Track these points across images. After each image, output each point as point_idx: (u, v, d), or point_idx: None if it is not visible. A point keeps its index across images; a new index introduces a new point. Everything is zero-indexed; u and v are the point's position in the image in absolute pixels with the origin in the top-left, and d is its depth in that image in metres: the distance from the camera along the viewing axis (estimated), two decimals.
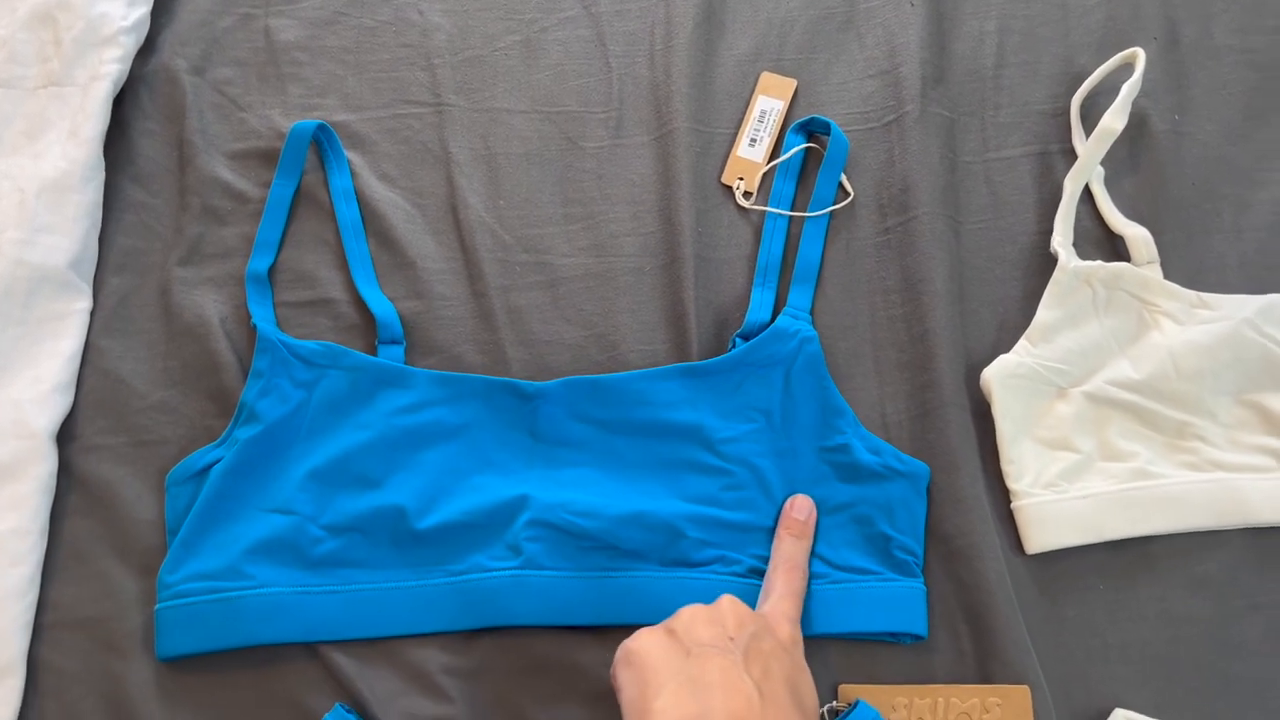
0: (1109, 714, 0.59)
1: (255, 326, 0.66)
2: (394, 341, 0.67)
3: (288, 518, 0.61)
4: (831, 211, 0.71)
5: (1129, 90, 0.68)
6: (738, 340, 0.66)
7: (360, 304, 0.69)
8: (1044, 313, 0.66)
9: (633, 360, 0.68)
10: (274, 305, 0.69)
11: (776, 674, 0.48)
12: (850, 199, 0.71)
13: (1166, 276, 0.67)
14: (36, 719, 0.60)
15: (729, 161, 0.73)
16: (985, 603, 0.60)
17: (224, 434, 0.63)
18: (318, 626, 0.60)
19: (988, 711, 0.58)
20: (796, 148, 0.72)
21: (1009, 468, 0.63)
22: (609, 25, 0.77)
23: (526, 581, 0.60)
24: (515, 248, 0.71)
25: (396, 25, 0.78)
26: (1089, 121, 0.72)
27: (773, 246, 0.70)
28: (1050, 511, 0.62)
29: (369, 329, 0.68)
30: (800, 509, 0.62)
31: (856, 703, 0.57)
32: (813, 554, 0.62)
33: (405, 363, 0.67)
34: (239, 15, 0.78)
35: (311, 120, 0.73)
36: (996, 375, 0.64)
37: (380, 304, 0.68)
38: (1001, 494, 0.64)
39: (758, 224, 0.71)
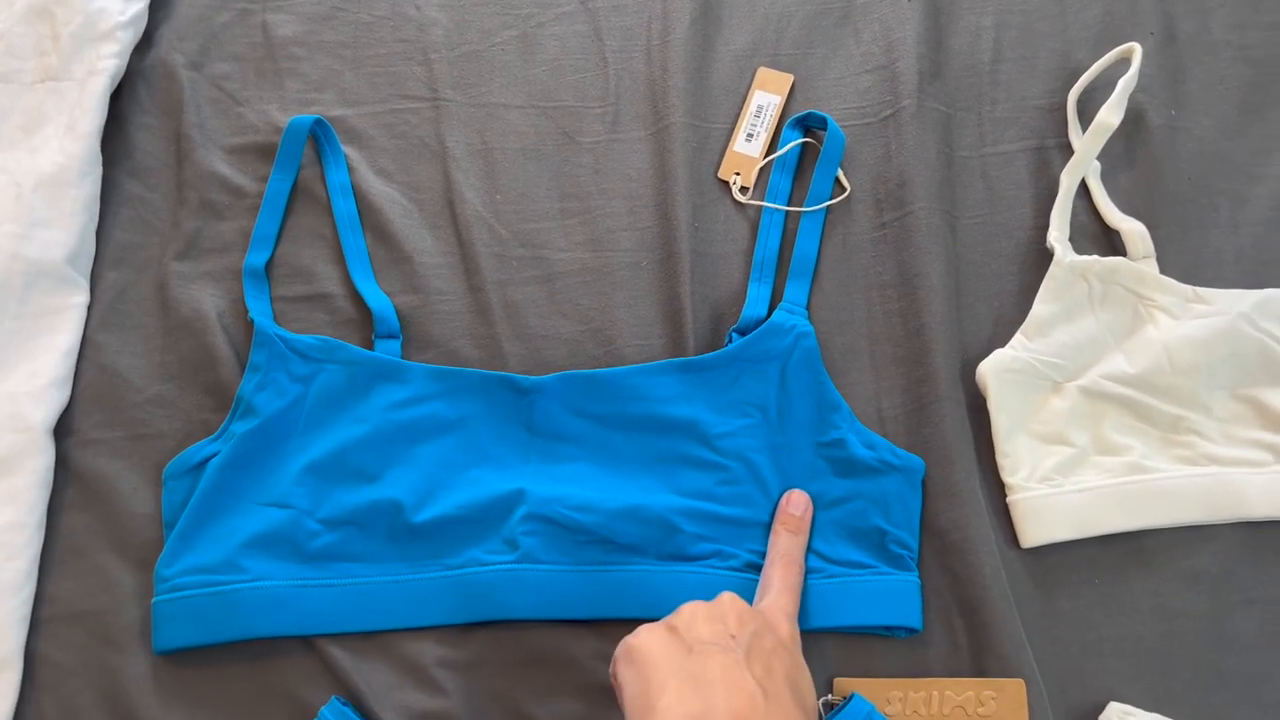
0: (1103, 708, 0.59)
1: (252, 321, 0.66)
2: (391, 336, 0.67)
3: (284, 511, 0.61)
4: (828, 206, 0.71)
5: (1125, 85, 0.68)
6: (734, 335, 0.66)
7: (357, 298, 0.69)
8: (1040, 307, 0.66)
9: (629, 355, 0.68)
10: (271, 300, 0.69)
11: (778, 672, 0.48)
12: (847, 194, 0.71)
13: (1162, 271, 0.67)
14: (34, 713, 0.60)
15: (726, 156, 0.73)
16: (980, 597, 0.60)
17: (221, 428, 0.64)
18: (314, 620, 0.60)
19: (982, 705, 0.58)
20: (793, 143, 0.72)
21: (1004, 461, 0.63)
22: (606, 20, 0.77)
23: (523, 575, 0.60)
24: (512, 242, 0.71)
25: (393, 20, 0.78)
26: (1085, 116, 0.72)
27: (769, 241, 0.70)
28: (1045, 505, 0.62)
29: (366, 323, 0.69)
30: (796, 504, 0.62)
31: (851, 696, 0.57)
32: (808, 549, 0.62)
33: (402, 357, 0.67)
34: (236, 10, 0.78)
35: (309, 115, 0.73)
36: (992, 370, 0.64)
37: (377, 298, 0.68)
38: (997, 488, 0.64)
39: (754, 219, 0.71)
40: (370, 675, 0.60)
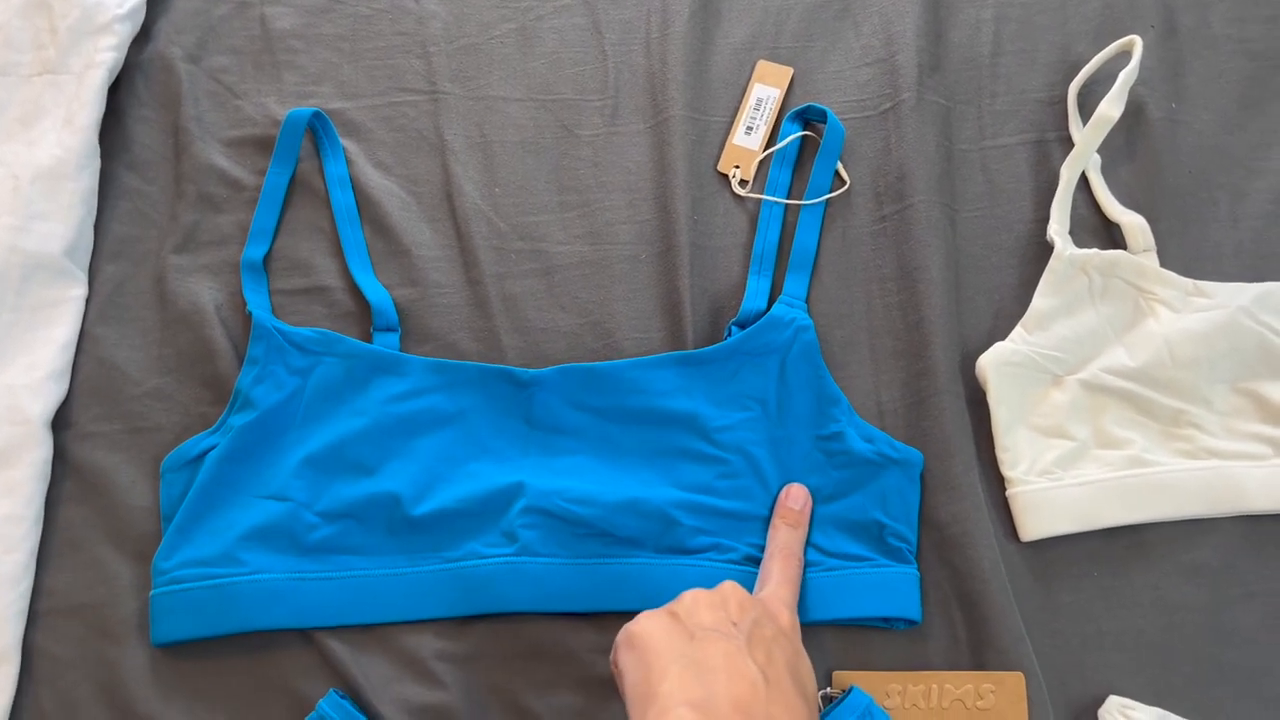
0: (1103, 701, 0.59)
1: (251, 314, 0.66)
2: (389, 329, 0.67)
3: (283, 504, 0.61)
4: (828, 199, 0.71)
5: (1126, 78, 0.67)
6: (733, 328, 0.66)
7: (355, 291, 0.69)
8: (1040, 300, 0.65)
9: (628, 348, 0.68)
10: (269, 293, 0.69)
11: (779, 659, 0.48)
12: (846, 187, 0.71)
13: (1163, 264, 0.67)
14: (32, 705, 0.60)
15: (725, 149, 0.73)
16: (979, 590, 0.60)
17: (219, 421, 0.63)
18: (312, 613, 0.60)
19: (981, 698, 0.58)
20: (792, 135, 0.72)
21: (1004, 455, 0.63)
22: (604, 13, 0.77)
23: (522, 568, 0.60)
24: (510, 235, 0.71)
25: (392, 13, 0.78)
26: (1086, 110, 0.72)
27: (768, 234, 0.70)
28: (1045, 499, 0.62)
29: (364, 316, 0.68)
30: (795, 498, 0.62)
31: (850, 689, 0.57)
32: (807, 542, 0.61)
33: (400, 350, 0.67)
34: (234, 3, 0.78)
35: (307, 108, 0.72)
36: (992, 363, 0.64)
37: (375, 291, 0.68)
38: (996, 481, 0.64)
39: (753, 212, 0.71)
40: (369, 668, 0.60)
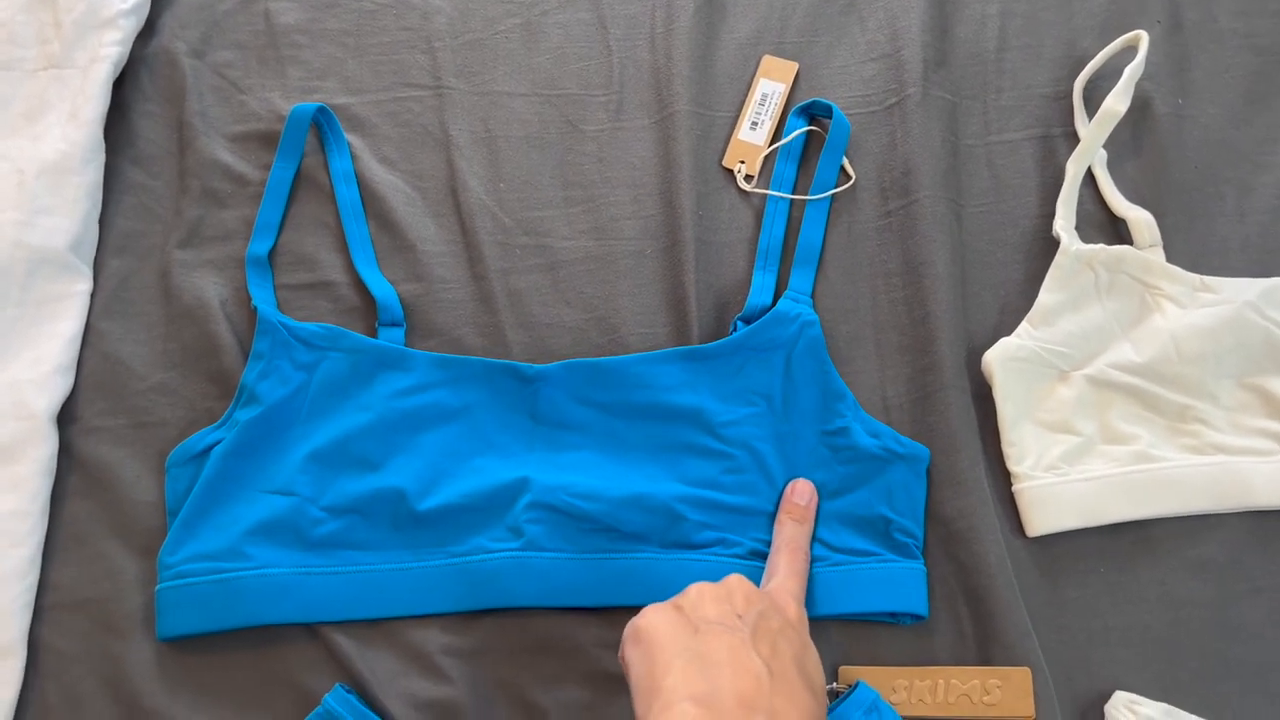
0: (1109, 696, 0.59)
1: (256, 309, 0.66)
2: (394, 324, 0.67)
3: (288, 499, 0.61)
4: (833, 195, 0.71)
5: (1132, 73, 0.67)
6: (739, 324, 0.66)
7: (360, 286, 0.69)
8: (1046, 296, 0.65)
9: (633, 343, 0.68)
10: (274, 288, 0.69)
11: (785, 652, 0.48)
12: (852, 182, 0.71)
13: (1169, 260, 0.67)
14: (37, 700, 0.60)
15: (730, 145, 0.73)
16: (985, 585, 0.60)
17: (224, 416, 0.63)
18: (318, 607, 0.60)
19: (988, 693, 0.58)
20: (798, 131, 0.72)
21: (1010, 450, 0.63)
22: (609, 8, 0.77)
23: (527, 563, 0.60)
24: (515, 231, 0.71)
25: (396, 8, 0.77)
26: (1091, 105, 0.72)
27: (774, 230, 0.69)
28: (1051, 494, 0.62)
29: (369, 311, 0.68)
30: (801, 494, 0.62)
31: (857, 684, 0.57)
32: (813, 538, 0.61)
33: (405, 345, 0.67)
34: None
35: (311, 103, 0.72)
36: (998, 358, 0.64)
37: (380, 286, 0.68)
38: (1002, 476, 0.64)
39: (759, 207, 0.71)
40: (374, 663, 0.59)
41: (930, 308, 0.66)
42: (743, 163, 0.72)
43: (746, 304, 0.67)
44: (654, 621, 0.49)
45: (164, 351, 0.67)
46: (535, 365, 0.65)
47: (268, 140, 0.73)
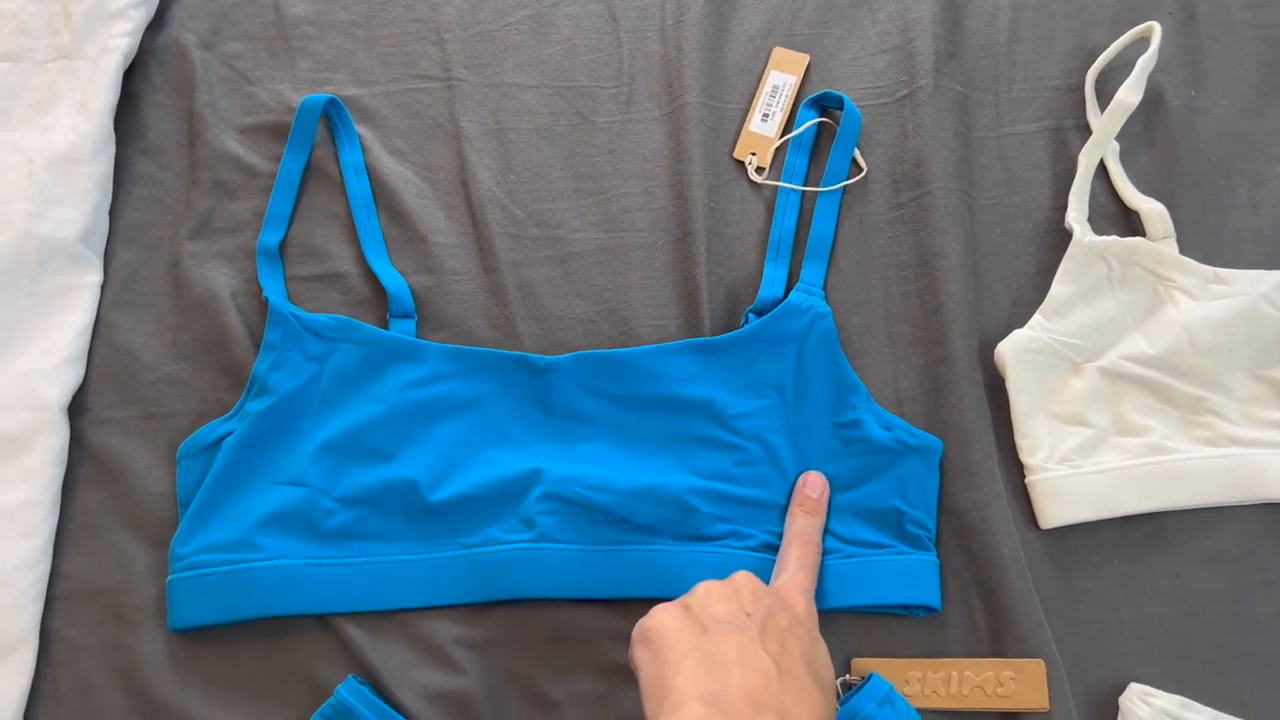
0: (1123, 689, 0.59)
1: (267, 300, 0.66)
2: (405, 315, 0.67)
3: (300, 490, 0.61)
4: (845, 186, 0.70)
5: (1144, 64, 0.67)
6: (751, 316, 0.66)
7: (371, 278, 0.69)
8: (1059, 288, 0.65)
9: (644, 335, 0.68)
10: (285, 279, 0.69)
11: (793, 650, 0.48)
12: (863, 174, 0.71)
13: (1182, 251, 0.67)
14: (49, 690, 0.60)
15: (741, 137, 0.73)
16: (998, 577, 0.60)
17: (235, 407, 0.63)
18: (330, 599, 0.60)
19: (1001, 685, 0.58)
20: (809, 122, 0.72)
21: (1023, 442, 0.63)
22: (619, 0, 0.77)
23: (540, 554, 0.60)
24: (526, 222, 0.71)
25: (406, 0, 0.77)
26: (1103, 97, 0.72)
27: (785, 222, 0.69)
28: (1065, 486, 0.62)
29: (380, 303, 0.68)
30: (813, 486, 0.62)
31: (870, 676, 0.57)
32: (825, 530, 0.61)
33: (416, 337, 0.67)
34: None
35: (322, 94, 0.72)
36: (1011, 350, 0.64)
37: (392, 278, 0.68)
38: (1015, 468, 0.64)
39: (770, 199, 0.71)
40: (387, 654, 0.59)
41: (942, 300, 0.66)
42: (754, 155, 0.72)
43: (758, 296, 0.67)
44: (662, 622, 0.49)
45: (174, 343, 0.67)
46: (546, 357, 0.65)
47: (278, 132, 0.73)
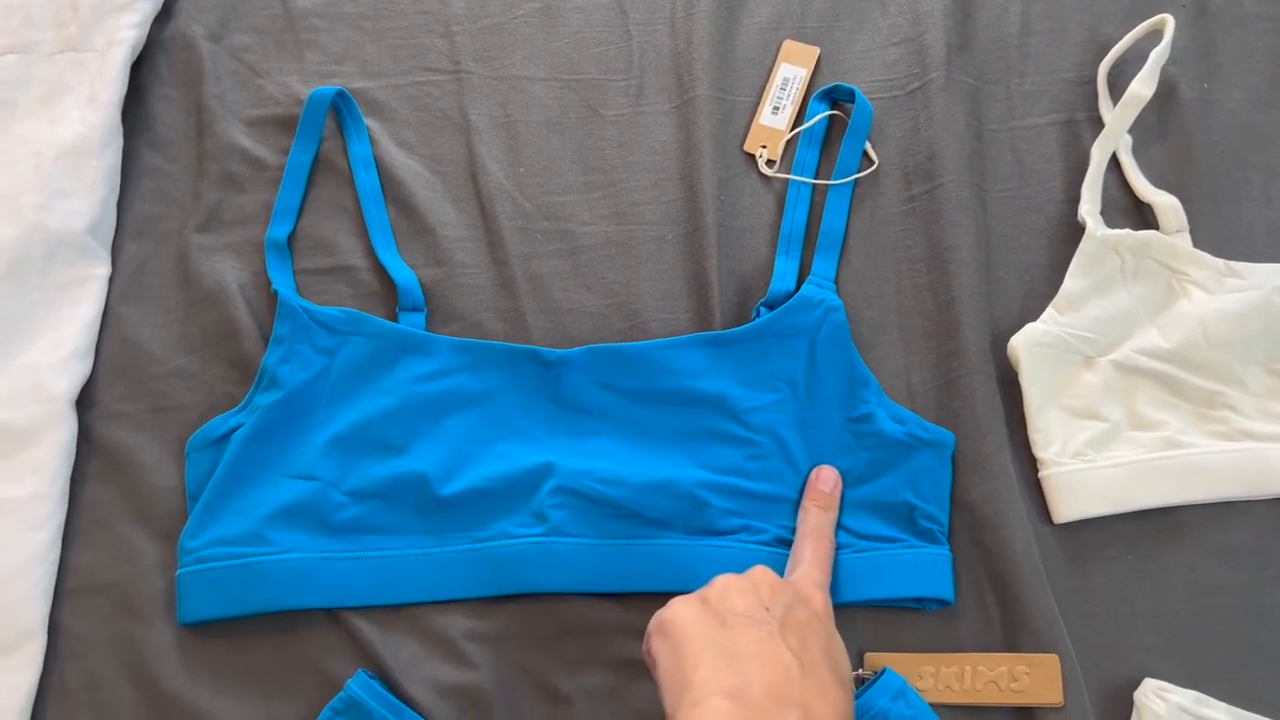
0: (1138, 684, 0.58)
1: (276, 293, 0.65)
2: (415, 309, 0.67)
3: (310, 483, 0.61)
4: (856, 179, 0.70)
5: (1157, 56, 0.67)
6: (762, 309, 0.66)
7: (380, 271, 0.68)
8: (1072, 281, 0.65)
9: (655, 329, 0.67)
10: (293, 272, 0.68)
11: (813, 644, 0.48)
12: (875, 167, 0.71)
13: (1195, 245, 0.66)
14: (58, 683, 0.59)
15: (751, 129, 0.72)
16: (1012, 571, 0.59)
17: (245, 400, 0.63)
18: (340, 592, 0.59)
19: (1016, 680, 0.58)
20: (821, 115, 0.71)
21: (1036, 436, 0.62)
22: None
23: (551, 548, 0.60)
24: (536, 215, 0.70)
25: None
26: (1115, 90, 0.71)
27: (796, 215, 0.69)
28: (1078, 480, 0.61)
29: (389, 296, 0.68)
30: (826, 480, 0.61)
31: (883, 671, 0.57)
32: (837, 525, 0.61)
33: (426, 330, 0.66)
34: None
35: (330, 87, 0.72)
36: (1024, 343, 0.64)
37: (401, 271, 0.67)
38: (1028, 462, 0.63)
39: (781, 192, 0.71)
40: (397, 648, 0.59)
41: (955, 293, 0.66)
42: (764, 147, 0.71)
43: (770, 289, 0.66)
44: (680, 614, 0.48)
45: (183, 336, 0.67)
46: (557, 350, 0.64)
47: (286, 124, 0.72)
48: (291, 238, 0.70)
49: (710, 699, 0.43)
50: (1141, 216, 0.69)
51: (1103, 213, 0.67)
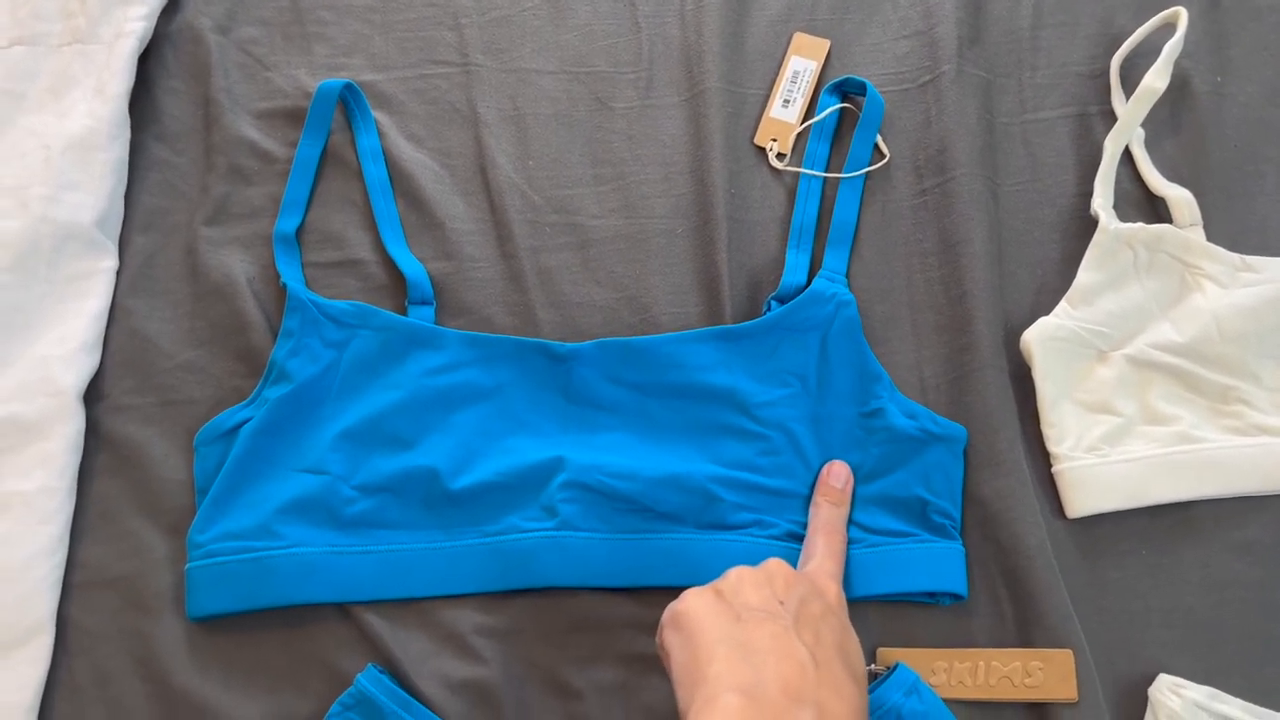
0: (1152, 679, 0.58)
1: (285, 286, 0.65)
2: (424, 302, 0.66)
3: (319, 477, 0.60)
4: (867, 172, 0.70)
5: (1171, 50, 0.66)
6: (773, 303, 0.65)
7: (389, 264, 0.68)
8: (1084, 275, 0.64)
9: (665, 323, 0.67)
10: (302, 266, 0.68)
11: (827, 639, 0.47)
12: (886, 160, 0.70)
13: (1209, 239, 0.66)
14: (66, 678, 0.59)
15: (762, 123, 0.72)
16: (1025, 566, 0.59)
17: (253, 393, 0.63)
18: (350, 587, 0.59)
19: (1029, 676, 0.57)
20: (831, 108, 0.71)
21: (1050, 430, 0.62)
22: None
23: (562, 542, 0.59)
24: (545, 209, 0.70)
25: None
26: (1128, 84, 0.71)
27: (807, 208, 0.69)
28: (1092, 475, 0.61)
29: (397, 289, 0.68)
30: (837, 476, 0.61)
31: (896, 666, 0.56)
32: (849, 520, 0.61)
33: (435, 324, 0.66)
34: None
35: (338, 79, 0.71)
36: (1037, 337, 0.63)
37: (410, 264, 0.67)
38: (1041, 457, 0.63)
39: (791, 186, 0.70)
40: (407, 643, 0.59)
41: (967, 287, 0.65)
42: (774, 140, 0.71)
43: (781, 283, 0.66)
44: (694, 607, 0.48)
45: (191, 329, 0.67)
46: (567, 344, 0.64)
47: (294, 117, 0.72)
48: (300, 231, 0.69)
49: (724, 695, 0.43)
50: (1154, 210, 0.68)
51: (1115, 206, 0.67)
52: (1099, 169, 0.67)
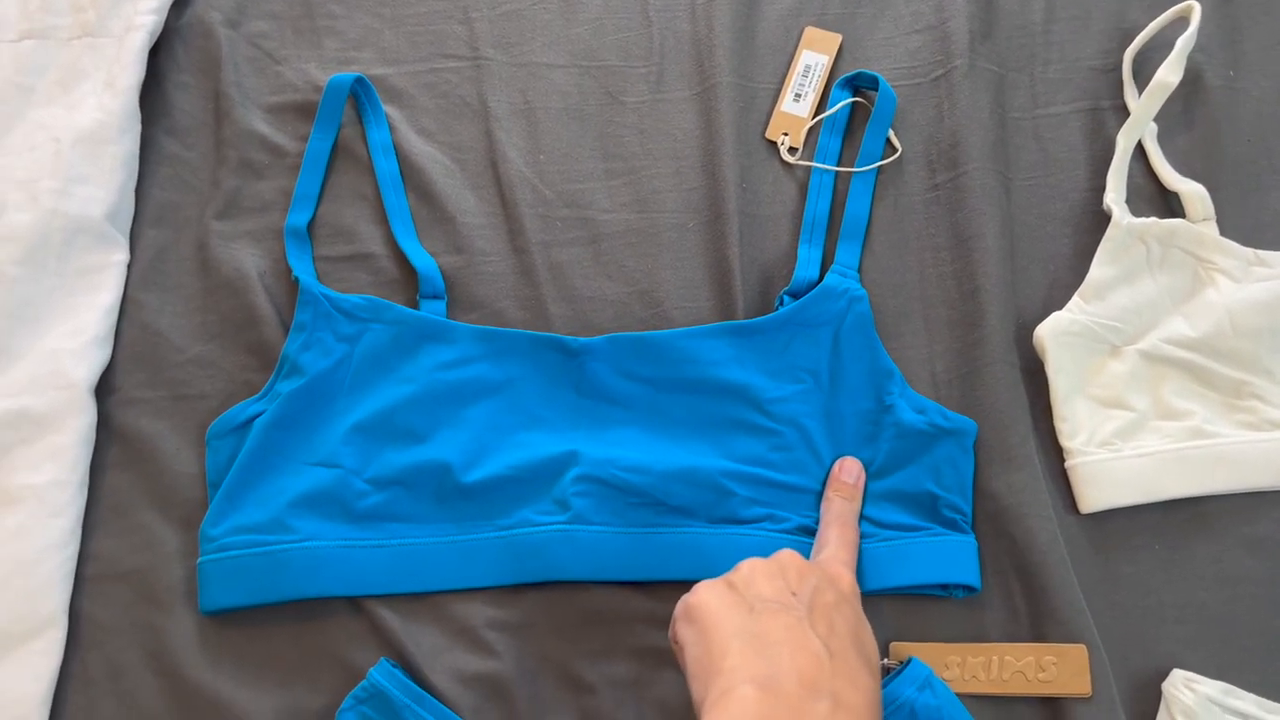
0: (1165, 674, 0.58)
1: (297, 280, 0.65)
2: (435, 296, 0.66)
3: (332, 471, 0.60)
4: (879, 167, 0.70)
5: (1184, 44, 0.66)
6: (785, 298, 0.65)
7: (400, 259, 0.68)
8: (1097, 270, 0.64)
9: (676, 318, 0.67)
10: (313, 259, 0.68)
11: (841, 629, 0.47)
12: (898, 154, 0.70)
13: (1222, 233, 0.66)
14: (79, 671, 0.59)
15: (773, 117, 0.72)
16: (1038, 561, 0.59)
17: (265, 387, 0.63)
18: (362, 581, 0.59)
19: (1043, 670, 0.57)
20: (843, 102, 0.71)
21: (1062, 425, 0.62)
22: None
23: (574, 536, 0.59)
24: (556, 203, 0.70)
25: None
26: (1140, 78, 0.71)
27: (819, 203, 0.68)
28: (1105, 470, 0.61)
29: (409, 284, 0.67)
30: (849, 471, 0.61)
31: (909, 660, 0.56)
32: (860, 516, 0.60)
33: (446, 318, 0.66)
34: None
35: (349, 73, 0.71)
36: (1050, 332, 0.63)
37: (421, 258, 0.67)
38: (1053, 452, 0.63)
39: (803, 180, 0.70)
40: (420, 637, 0.59)
41: (979, 282, 0.65)
42: (786, 135, 0.71)
43: (793, 278, 0.66)
44: (707, 600, 0.48)
45: (202, 323, 0.67)
46: (579, 338, 0.64)
47: (304, 111, 0.72)
48: (311, 225, 0.69)
49: (740, 687, 0.43)
50: (1167, 205, 0.68)
51: (1128, 201, 0.67)
52: (1111, 164, 0.67)
